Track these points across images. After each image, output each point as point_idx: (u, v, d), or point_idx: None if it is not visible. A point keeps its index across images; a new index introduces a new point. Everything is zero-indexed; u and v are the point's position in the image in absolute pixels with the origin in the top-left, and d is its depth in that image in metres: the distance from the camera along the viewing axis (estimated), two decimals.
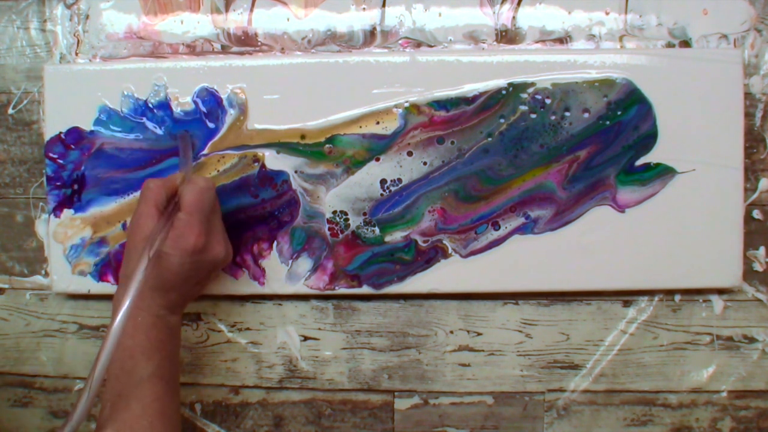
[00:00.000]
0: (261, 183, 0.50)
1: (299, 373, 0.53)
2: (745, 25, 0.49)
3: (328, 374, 0.53)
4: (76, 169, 0.51)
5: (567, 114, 0.48)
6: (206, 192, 0.43)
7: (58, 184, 0.51)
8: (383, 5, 0.51)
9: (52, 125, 0.51)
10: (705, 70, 0.48)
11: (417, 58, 0.49)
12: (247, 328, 0.53)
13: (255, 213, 0.50)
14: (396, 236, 0.50)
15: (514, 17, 0.50)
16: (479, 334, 0.52)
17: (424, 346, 0.52)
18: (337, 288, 0.50)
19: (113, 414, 0.40)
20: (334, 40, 0.51)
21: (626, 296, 0.51)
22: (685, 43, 0.50)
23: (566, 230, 0.49)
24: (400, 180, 0.49)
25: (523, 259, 0.49)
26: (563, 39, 0.50)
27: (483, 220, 0.49)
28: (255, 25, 0.51)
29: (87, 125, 0.50)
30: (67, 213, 0.51)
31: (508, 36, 0.50)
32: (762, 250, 0.51)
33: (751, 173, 0.50)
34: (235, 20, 0.51)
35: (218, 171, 0.50)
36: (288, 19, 0.51)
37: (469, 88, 0.49)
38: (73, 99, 0.50)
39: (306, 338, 0.53)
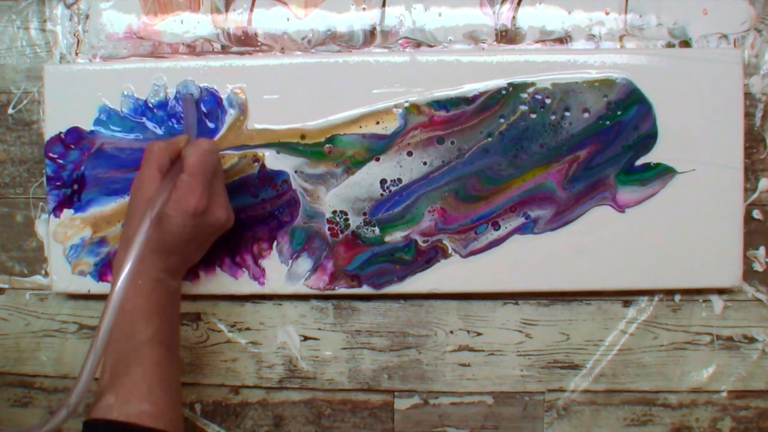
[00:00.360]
0: (261, 183, 0.50)
1: (299, 373, 0.53)
2: (745, 25, 0.49)
3: (328, 374, 0.53)
4: (76, 169, 0.51)
5: (567, 114, 0.48)
6: (209, 154, 0.42)
7: (58, 184, 0.51)
8: (383, 5, 0.51)
9: (52, 125, 0.51)
10: (705, 70, 0.48)
11: (417, 58, 0.49)
12: (247, 328, 0.53)
13: (255, 213, 0.50)
14: (396, 236, 0.50)
15: (514, 17, 0.50)
16: (479, 334, 0.52)
17: (424, 346, 0.52)
18: (337, 288, 0.50)
19: (113, 379, 0.40)
20: (334, 40, 0.51)
21: (626, 296, 0.51)
22: (685, 43, 0.50)
23: (566, 230, 0.49)
24: (400, 180, 0.49)
25: (523, 259, 0.49)
26: (563, 39, 0.50)
27: (483, 220, 0.49)
28: (255, 25, 0.51)
29: (87, 125, 0.50)
30: (67, 213, 0.51)
31: (508, 36, 0.50)
32: (762, 250, 0.51)
33: (751, 173, 0.50)
34: (235, 20, 0.51)
35: None
36: (288, 19, 0.51)
37: (469, 88, 0.49)
38: (73, 99, 0.50)
39: (306, 338, 0.53)
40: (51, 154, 0.51)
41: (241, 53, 0.52)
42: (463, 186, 0.49)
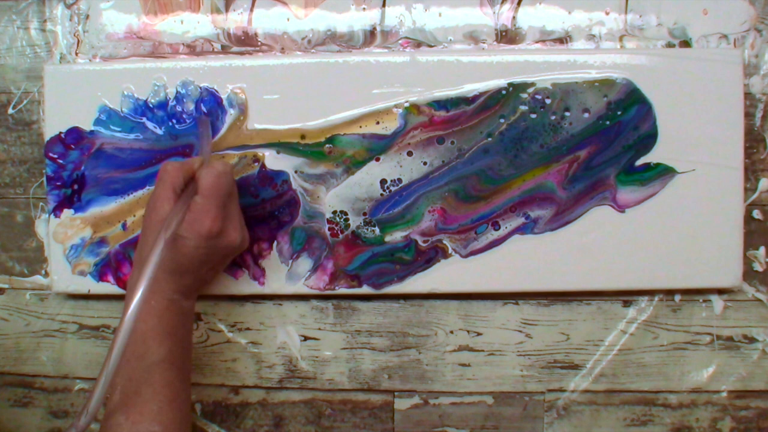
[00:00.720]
0: (261, 183, 0.50)
1: (299, 373, 0.53)
2: (745, 25, 0.49)
3: (328, 374, 0.53)
4: (76, 169, 0.51)
5: (567, 114, 0.48)
6: (224, 176, 0.42)
7: (58, 184, 0.51)
8: (383, 5, 0.51)
9: (52, 125, 0.51)
10: (705, 70, 0.48)
11: (417, 58, 0.49)
12: (247, 328, 0.53)
13: (255, 213, 0.50)
14: (396, 236, 0.50)
15: (514, 17, 0.50)
16: (479, 334, 0.52)
17: (424, 346, 0.52)
18: (337, 288, 0.50)
19: (123, 399, 0.40)
20: (334, 40, 0.51)
21: (626, 296, 0.51)
22: (685, 43, 0.50)
23: (566, 230, 0.49)
24: (400, 180, 0.49)
25: (523, 259, 0.49)
26: (563, 39, 0.50)
27: (483, 220, 0.49)
28: (255, 25, 0.51)
29: (87, 125, 0.50)
30: (67, 213, 0.51)
31: (508, 36, 0.50)
32: (762, 250, 0.51)
33: (751, 173, 0.50)
34: (235, 20, 0.51)
35: None
36: (288, 19, 0.51)
37: (469, 88, 0.49)
38: (73, 99, 0.50)
39: (306, 338, 0.53)
40: (51, 154, 0.51)
41: (241, 53, 0.52)
42: (463, 186, 0.49)
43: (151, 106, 0.50)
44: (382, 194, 0.49)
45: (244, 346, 0.53)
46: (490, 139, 0.49)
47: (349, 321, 0.53)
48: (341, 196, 0.50)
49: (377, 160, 0.49)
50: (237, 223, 0.44)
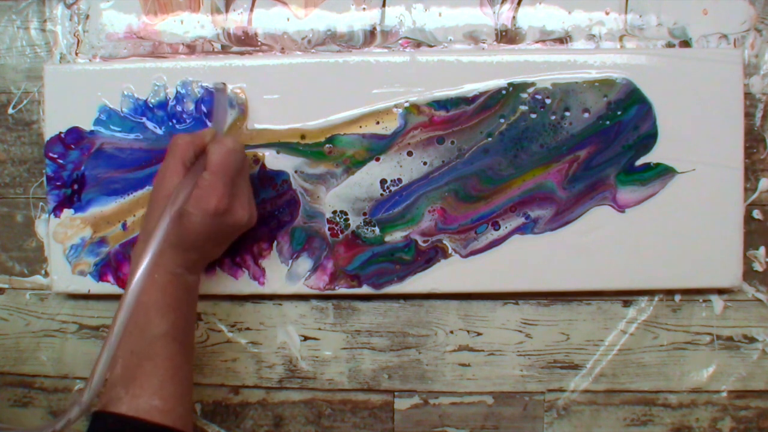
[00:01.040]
0: (261, 183, 0.50)
1: (299, 373, 0.53)
2: (745, 25, 0.49)
3: (328, 374, 0.53)
4: (76, 169, 0.51)
5: (567, 114, 0.48)
6: (233, 153, 0.42)
7: (58, 184, 0.51)
8: (383, 5, 0.51)
9: (52, 125, 0.51)
10: (705, 70, 0.48)
11: (417, 58, 0.49)
12: (247, 328, 0.53)
13: None
14: (396, 236, 0.50)
15: (514, 17, 0.50)
16: (479, 334, 0.52)
17: (424, 346, 0.52)
18: (337, 288, 0.50)
19: (124, 371, 0.39)
20: (334, 40, 0.51)
21: (626, 296, 0.51)
22: (685, 43, 0.50)
23: (566, 230, 0.49)
24: (400, 180, 0.49)
25: (523, 259, 0.49)
26: (563, 39, 0.50)
27: (483, 220, 0.49)
28: (255, 25, 0.51)
29: (87, 125, 0.50)
30: (67, 213, 0.51)
31: (508, 36, 0.50)
32: (762, 250, 0.51)
33: (751, 173, 0.50)
34: (235, 20, 0.51)
35: None
36: (288, 19, 0.51)
37: (469, 88, 0.49)
38: (73, 99, 0.50)
39: (306, 338, 0.53)
40: (51, 154, 0.51)
41: (241, 53, 0.52)
42: (463, 186, 0.49)
43: (151, 106, 0.50)
44: (382, 194, 0.49)
45: (244, 346, 0.53)
46: (490, 139, 0.49)
47: (349, 321, 0.53)
48: (341, 196, 0.50)
49: (377, 160, 0.49)
50: (245, 201, 0.43)
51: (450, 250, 0.50)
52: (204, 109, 0.49)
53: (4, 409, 0.55)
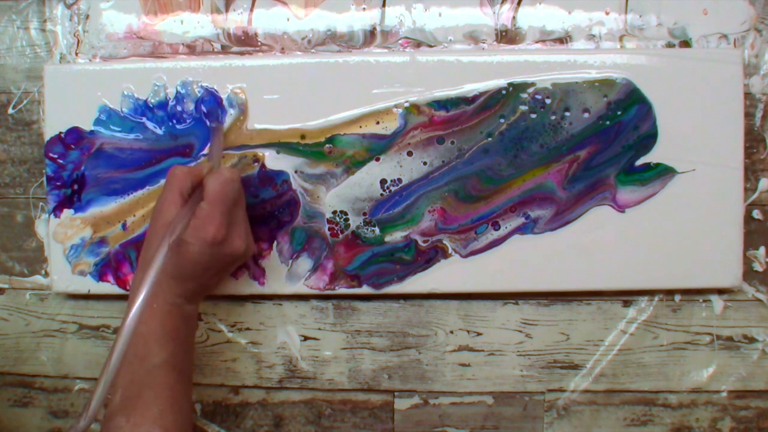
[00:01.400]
0: (261, 183, 0.50)
1: (299, 373, 0.53)
2: (745, 25, 0.49)
3: (328, 374, 0.53)
4: (76, 169, 0.51)
5: (567, 114, 0.48)
6: (230, 183, 0.42)
7: (58, 184, 0.51)
8: (383, 5, 0.51)
9: (52, 125, 0.51)
10: (705, 70, 0.48)
11: (417, 58, 0.49)
12: (247, 328, 0.53)
13: (255, 213, 0.50)
14: (396, 236, 0.50)
15: (514, 17, 0.50)
16: (479, 334, 0.52)
17: (424, 346, 0.52)
18: (337, 288, 0.50)
19: (124, 401, 0.40)
20: (334, 40, 0.51)
21: (626, 296, 0.51)
22: (685, 43, 0.50)
23: (566, 230, 0.49)
24: (400, 180, 0.49)
25: (523, 259, 0.49)
26: (563, 39, 0.50)
27: (483, 220, 0.49)
28: (255, 25, 0.51)
29: (87, 125, 0.50)
30: (67, 213, 0.51)
31: (508, 36, 0.50)
32: (762, 250, 0.51)
33: (751, 173, 0.50)
34: (235, 20, 0.51)
35: None
36: (288, 19, 0.51)
37: (469, 88, 0.49)
38: (73, 99, 0.50)
39: (306, 338, 0.53)
40: (51, 154, 0.51)
41: (241, 53, 0.52)
42: (463, 186, 0.49)
43: (151, 106, 0.50)
44: (382, 194, 0.49)
45: (244, 346, 0.53)
46: (490, 139, 0.49)
47: (349, 321, 0.53)
48: (341, 196, 0.50)
49: (377, 160, 0.49)
50: (242, 231, 0.44)
51: (450, 250, 0.50)
52: (204, 109, 0.49)
53: (4, 409, 0.55)
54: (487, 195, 0.49)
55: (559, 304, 0.52)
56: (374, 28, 0.51)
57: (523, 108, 0.48)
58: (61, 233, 0.51)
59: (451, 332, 0.52)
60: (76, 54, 0.52)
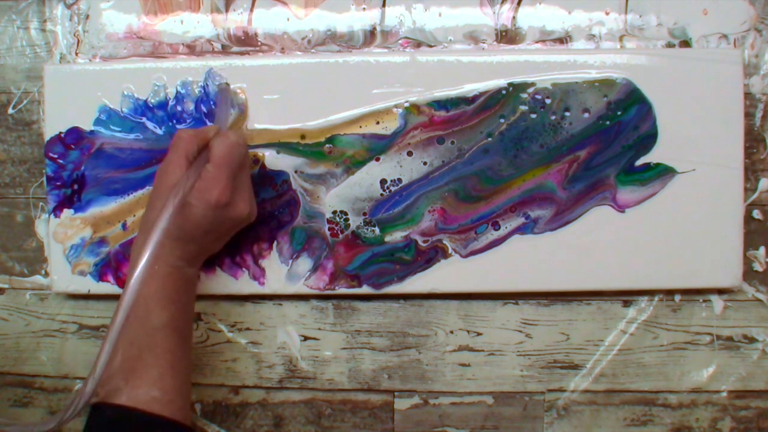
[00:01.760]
0: (261, 183, 0.50)
1: (299, 373, 0.53)
2: (745, 25, 0.49)
3: (328, 374, 0.53)
4: (76, 169, 0.51)
5: (567, 114, 0.48)
6: (236, 147, 0.42)
7: (58, 184, 0.51)
8: (383, 5, 0.51)
9: (52, 125, 0.51)
10: (705, 70, 0.48)
11: (417, 58, 0.49)
12: (247, 328, 0.53)
13: None
14: (396, 236, 0.50)
15: (514, 17, 0.50)
16: (479, 334, 0.52)
17: (424, 346, 0.52)
18: (337, 288, 0.50)
19: (124, 363, 0.39)
20: (334, 40, 0.51)
21: (626, 296, 0.51)
22: (685, 43, 0.50)
23: (566, 230, 0.49)
24: (400, 180, 0.49)
25: (523, 259, 0.49)
26: (563, 39, 0.50)
27: (483, 220, 0.49)
28: (255, 25, 0.51)
29: (87, 125, 0.50)
30: (67, 213, 0.51)
31: (508, 36, 0.50)
32: (762, 250, 0.51)
33: (751, 173, 0.50)
34: (235, 20, 0.51)
35: None
36: (288, 19, 0.51)
37: (469, 88, 0.49)
38: (73, 99, 0.50)
39: (306, 338, 0.53)
40: (51, 154, 0.51)
41: (241, 53, 0.52)
42: (463, 186, 0.49)
43: (151, 106, 0.50)
44: (382, 194, 0.49)
45: (244, 346, 0.53)
46: (490, 139, 0.49)
47: (349, 321, 0.53)
48: (341, 196, 0.50)
49: (377, 160, 0.49)
50: (246, 195, 0.44)
51: (450, 250, 0.50)
52: (204, 109, 0.49)
53: (4, 409, 0.55)
54: (487, 195, 0.49)
55: (559, 304, 0.52)
56: (374, 28, 0.51)
57: (523, 108, 0.48)
58: (61, 233, 0.51)
59: (451, 332, 0.52)
60: (76, 54, 0.52)
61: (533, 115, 0.48)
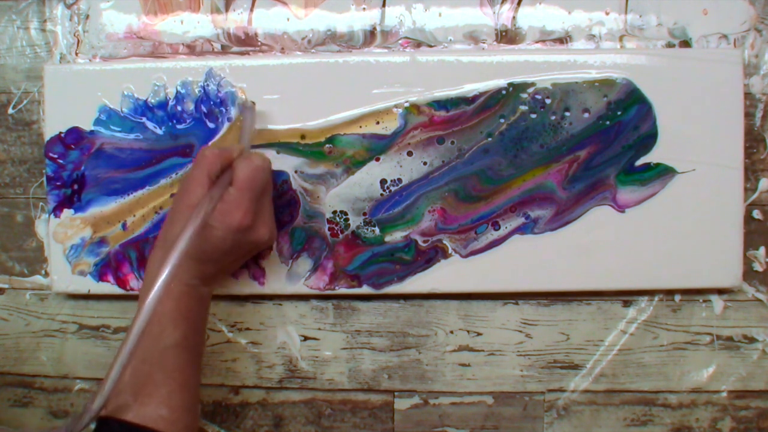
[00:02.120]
0: None
1: (299, 373, 0.53)
2: (745, 25, 0.49)
3: (328, 374, 0.53)
4: (76, 169, 0.51)
5: (567, 114, 0.48)
6: (261, 171, 0.42)
7: (58, 184, 0.51)
8: (383, 5, 0.51)
9: (52, 125, 0.51)
10: (705, 70, 0.48)
11: (417, 58, 0.49)
12: (247, 328, 0.53)
13: None
14: (396, 236, 0.50)
15: (514, 17, 0.50)
16: (479, 334, 0.52)
17: (424, 346, 0.52)
18: (337, 288, 0.50)
19: (133, 379, 0.39)
20: (334, 40, 0.51)
21: (626, 296, 0.51)
22: (685, 43, 0.50)
23: (566, 230, 0.49)
24: (400, 180, 0.49)
25: (523, 259, 0.49)
26: (563, 39, 0.50)
27: (483, 220, 0.49)
28: (255, 25, 0.51)
29: (87, 125, 0.50)
30: (67, 213, 0.51)
31: (508, 36, 0.50)
32: (762, 250, 0.51)
33: (751, 173, 0.50)
34: (235, 20, 0.51)
35: None
36: (288, 19, 0.51)
37: (469, 88, 0.49)
38: (73, 99, 0.50)
39: (306, 338, 0.53)
40: (51, 154, 0.51)
41: (241, 53, 0.52)
42: (463, 186, 0.49)
43: (151, 106, 0.50)
44: (382, 194, 0.49)
45: (244, 346, 0.53)
46: (490, 139, 0.49)
47: (349, 321, 0.53)
48: (341, 196, 0.50)
49: (377, 160, 0.49)
50: (267, 219, 0.44)
51: (450, 250, 0.50)
52: (204, 109, 0.50)
53: (4, 409, 0.55)
54: (487, 195, 0.49)
55: (559, 304, 0.52)
56: (374, 28, 0.51)
57: (523, 108, 0.48)
58: (61, 233, 0.51)
59: (451, 332, 0.52)
60: (76, 54, 0.52)
61: (533, 115, 0.48)
